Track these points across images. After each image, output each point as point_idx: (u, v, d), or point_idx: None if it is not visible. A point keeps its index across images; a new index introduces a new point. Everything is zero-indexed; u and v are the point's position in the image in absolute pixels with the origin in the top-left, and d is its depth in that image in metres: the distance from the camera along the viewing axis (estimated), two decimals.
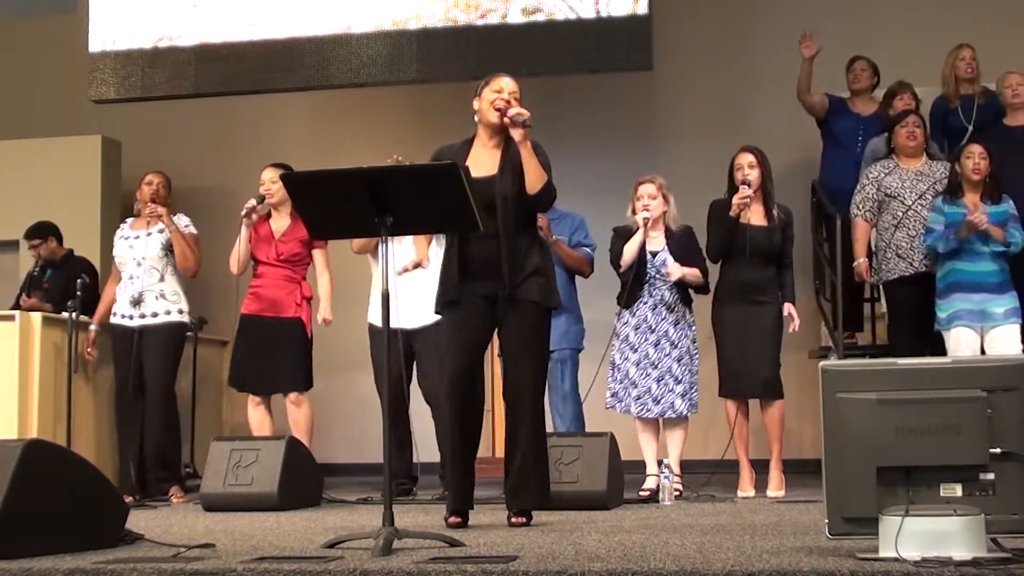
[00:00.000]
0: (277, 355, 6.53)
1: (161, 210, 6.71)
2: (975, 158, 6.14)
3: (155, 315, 6.70)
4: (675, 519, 4.87)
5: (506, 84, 4.75)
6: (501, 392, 4.87)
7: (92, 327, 6.90)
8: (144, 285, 6.70)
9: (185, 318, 6.83)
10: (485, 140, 4.77)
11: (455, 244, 4.71)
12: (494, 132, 4.73)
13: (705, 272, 6.28)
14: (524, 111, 4.63)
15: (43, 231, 7.84)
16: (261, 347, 6.52)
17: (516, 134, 4.61)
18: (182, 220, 6.88)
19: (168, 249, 6.76)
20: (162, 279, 6.75)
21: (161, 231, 6.78)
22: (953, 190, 6.21)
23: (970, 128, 7.04)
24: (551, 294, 4.70)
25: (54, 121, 9.38)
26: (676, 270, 6.15)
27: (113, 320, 6.78)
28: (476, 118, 4.78)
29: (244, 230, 6.56)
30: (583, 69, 7.89)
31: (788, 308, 6.19)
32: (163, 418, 6.67)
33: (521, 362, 4.66)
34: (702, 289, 6.32)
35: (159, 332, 6.69)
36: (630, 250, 6.17)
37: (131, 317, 6.70)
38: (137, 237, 6.80)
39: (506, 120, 4.62)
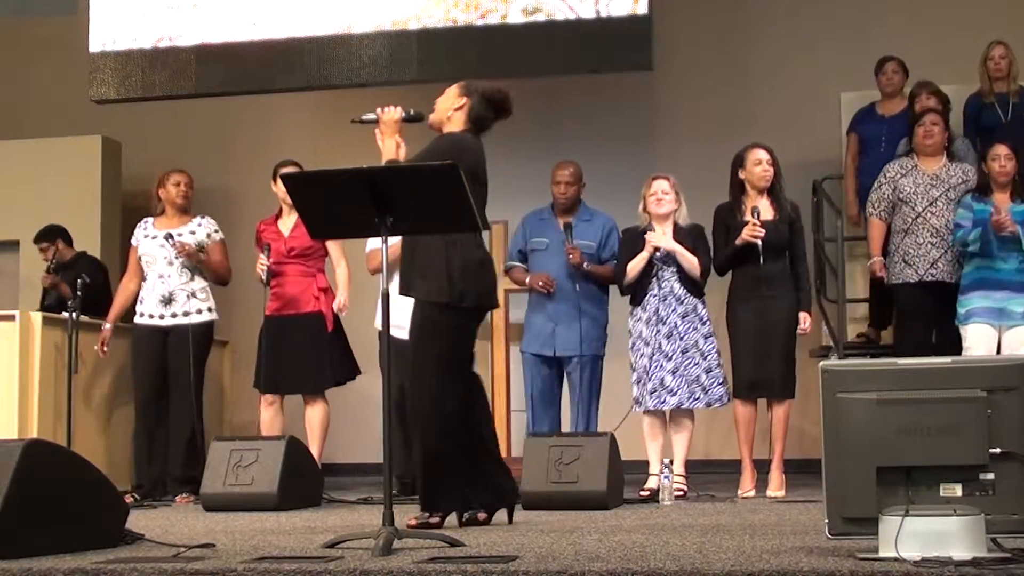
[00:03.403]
0: (297, 355, 6.52)
1: (192, 252, 6.67)
2: (1000, 159, 6.12)
3: (187, 314, 6.70)
4: (675, 519, 4.87)
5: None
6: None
7: (107, 325, 6.84)
8: (176, 284, 6.70)
9: (215, 315, 6.84)
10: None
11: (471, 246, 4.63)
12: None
13: (703, 271, 6.25)
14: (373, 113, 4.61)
15: (51, 234, 7.86)
16: (281, 347, 6.51)
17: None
18: (211, 224, 6.88)
19: (199, 249, 6.76)
20: (192, 278, 6.75)
21: (193, 232, 6.77)
22: (982, 190, 6.19)
23: (1006, 123, 6.96)
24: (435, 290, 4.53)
25: (54, 121, 9.38)
26: (668, 242, 6.12)
27: (139, 320, 6.74)
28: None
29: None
30: (583, 69, 7.90)
31: (803, 316, 6.18)
32: (192, 418, 6.66)
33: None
34: (696, 285, 6.25)
35: (190, 331, 6.68)
36: (633, 269, 6.20)
37: (161, 317, 6.69)
38: (168, 236, 6.78)
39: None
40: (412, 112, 4.62)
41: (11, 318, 6.68)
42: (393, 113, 4.60)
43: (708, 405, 6.21)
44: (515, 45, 7.67)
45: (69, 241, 7.99)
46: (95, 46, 8.29)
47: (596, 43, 7.57)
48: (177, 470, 6.65)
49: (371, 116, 4.61)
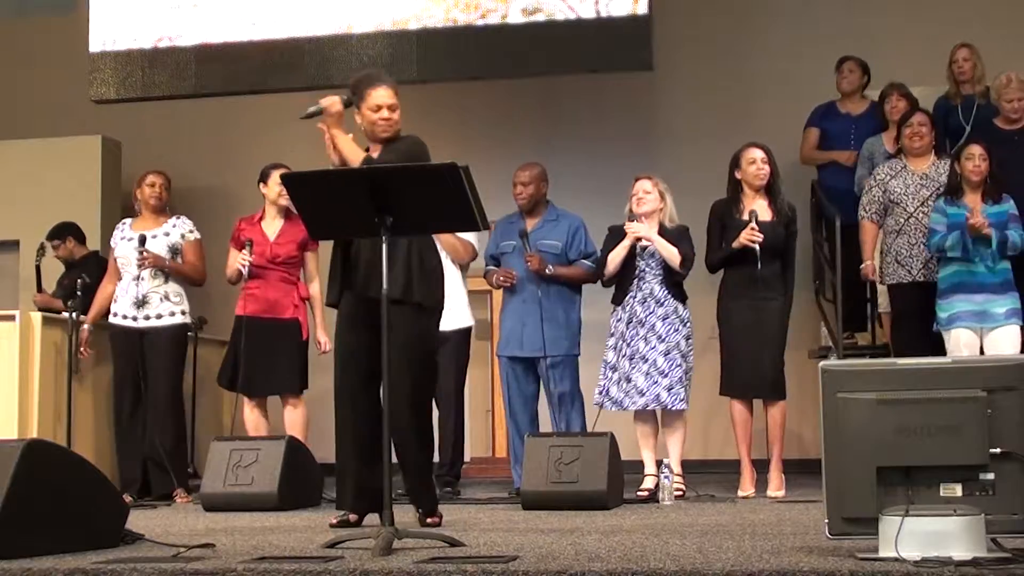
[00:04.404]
0: (275, 357, 6.53)
1: (151, 260, 6.66)
2: (975, 159, 6.12)
3: (159, 316, 6.70)
4: (675, 519, 4.87)
5: (383, 98, 4.65)
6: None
7: (85, 326, 6.83)
8: (149, 287, 6.70)
9: (188, 319, 6.84)
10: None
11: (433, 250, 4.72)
12: (379, 142, 4.71)
13: (684, 260, 6.20)
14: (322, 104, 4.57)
15: (61, 232, 7.86)
16: (259, 349, 6.50)
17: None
18: (185, 224, 6.88)
19: (173, 252, 6.77)
20: (166, 281, 6.75)
21: (167, 234, 6.78)
22: (953, 191, 6.19)
23: (968, 129, 7.04)
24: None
25: (54, 121, 9.38)
26: (647, 231, 6.12)
27: (113, 320, 6.74)
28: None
29: (241, 272, 6.55)
30: (583, 69, 7.90)
31: None
32: (170, 419, 6.66)
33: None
34: (676, 276, 6.22)
35: (164, 334, 6.68)
36: (614, 260, 6.20)
37: (135, 319, 6.69)
38: (142, 241, 6.77)
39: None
40: (346, 98, 4.62)
41: (11, 318, 6.68)
42: (336, 103, 4.57)
43: (684, 404, 6.17)
44: (515, 45, 7.67)
45: (82, 239, 7.95)
46: (95, 46, 8.30)
47: (596, 43, 7.57)
48: (163, 472, 6.65)
49: (316, 108, 4.58)
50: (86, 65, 8.33)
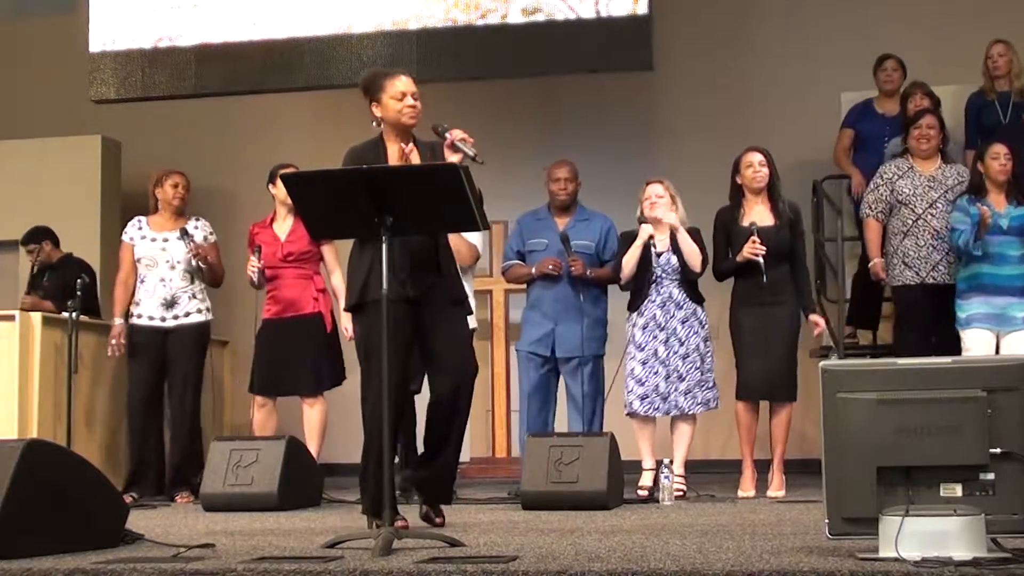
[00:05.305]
0: (296, 356, 6.50)
1: (203, 250, 6.72)
2: (1001, 158, 6.07)
3: (187, 315, 6.72)
4: (675, 519, 4.87)
5: (407, 85, 4.54)
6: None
7: (118, 321, 6.73)
8: (178, 287, 6.71)
9: (211, 316, 6.87)
10: (394, 140, 4.59)
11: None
12: (402, 133, 4.58)
13: (704, 260, 6.22)
14: (468, 138, 4.42)
15: (37, 236, 7.85)
16: (279, 349, 6.50)
17: (456, 158, 4.38)
18: (206, 226, 6.89)
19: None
20: (192, 280, 6.76)
21: (191, 235, 6.79)
22: (976, 190, 6.15)
23: (1006, 122, 6.98)
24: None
25: (54, 121, 9.38)
26: (671, 218, 6.13)
27: (138, 322, 6.72)
28: (379, 123, 4.58)
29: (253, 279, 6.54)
30: (583, 69, 7.91)
31: (814, 320, 6.21)
32: (192, 417, 6.70)
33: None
34: (691, 274, 6.22)
35: (191, 331, 6.71)
36: (629, 263, 6.19)
37: (163, 319, 6.70)
38: (167, 240, 6.77)
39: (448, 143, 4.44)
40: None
41: (11, 318, 6.67)
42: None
43: (705, 406, 6.20)
44: (515, 45, 7.68)
45: (56, 242, 7.97)
46: (95, 46, 8.30)
47: (596, 43, 7.58)
48: (177, 470, 6.65)
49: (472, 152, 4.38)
50: (86, 65, 8.33)
